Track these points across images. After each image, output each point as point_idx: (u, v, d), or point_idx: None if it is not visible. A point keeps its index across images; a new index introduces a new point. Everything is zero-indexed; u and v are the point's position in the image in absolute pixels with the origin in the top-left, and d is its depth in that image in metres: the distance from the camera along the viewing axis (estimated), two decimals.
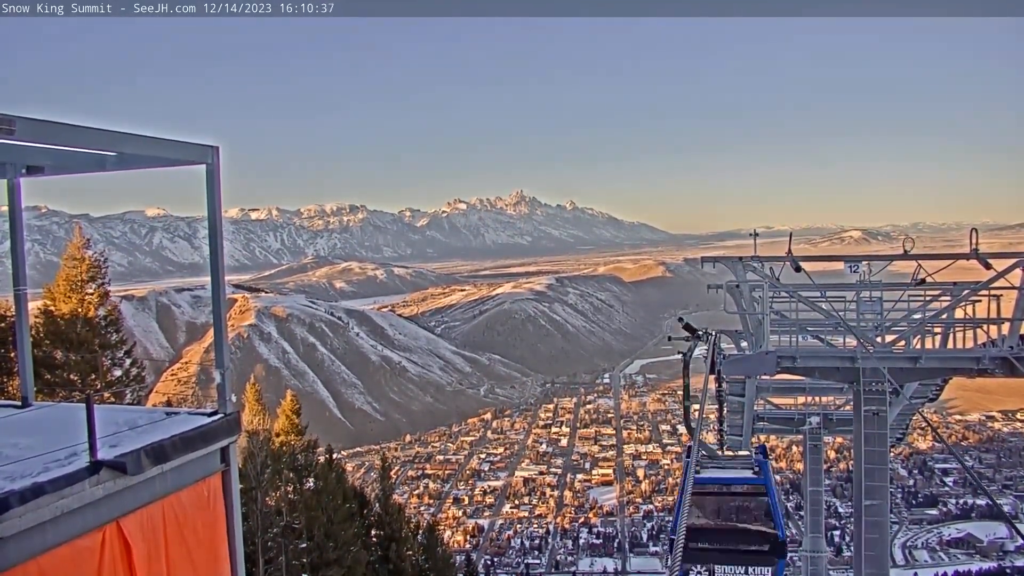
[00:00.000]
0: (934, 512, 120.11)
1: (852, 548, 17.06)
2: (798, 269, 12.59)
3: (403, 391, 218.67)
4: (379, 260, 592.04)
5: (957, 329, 13.27)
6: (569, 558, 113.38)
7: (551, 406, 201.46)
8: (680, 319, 14.96)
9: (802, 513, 23.61)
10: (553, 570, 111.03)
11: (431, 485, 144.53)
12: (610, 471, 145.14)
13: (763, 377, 16.50)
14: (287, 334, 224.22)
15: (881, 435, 11.84)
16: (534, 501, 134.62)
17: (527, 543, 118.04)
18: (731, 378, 16.85)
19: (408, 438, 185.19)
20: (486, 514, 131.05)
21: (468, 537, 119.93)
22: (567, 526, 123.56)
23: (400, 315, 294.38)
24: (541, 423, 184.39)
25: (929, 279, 12.63)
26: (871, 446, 11.84)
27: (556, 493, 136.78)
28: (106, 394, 16.04)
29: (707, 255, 13.70)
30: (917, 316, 13.29)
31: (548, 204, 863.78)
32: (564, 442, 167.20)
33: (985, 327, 12.05)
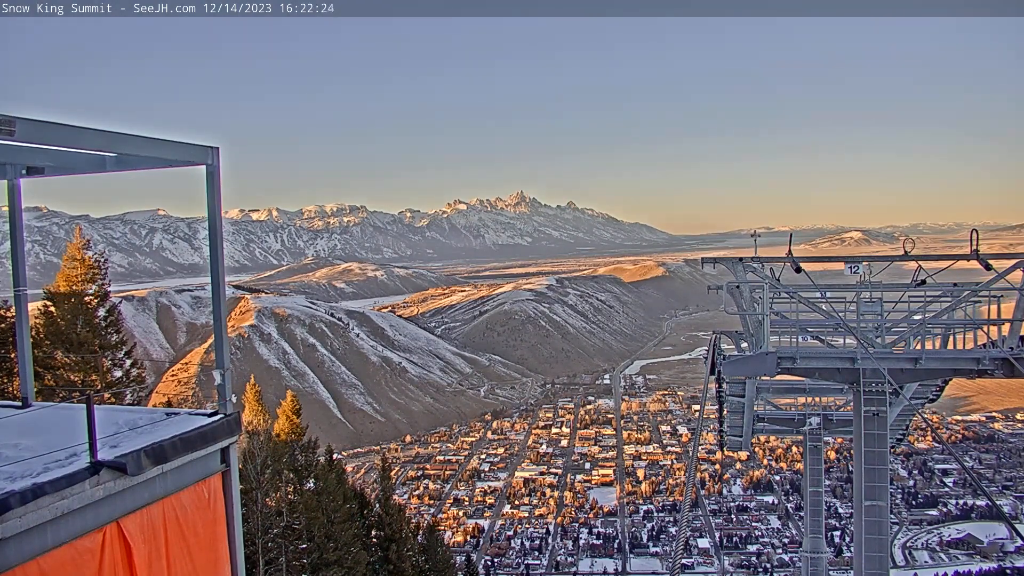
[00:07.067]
0: (934, 512, 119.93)
1: (852, 548, 17.03)
2: (798, 270, 12.59)
3: (403, 392, 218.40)
4: (379, 261, 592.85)
5: (957, 330, 13.25)
6: (569, 559, 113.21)
7: (551, 406, 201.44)
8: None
9: (802, 513, 23.63)
10: (553, 570, 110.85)
11: (431, 485, 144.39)
12: (610, 471, 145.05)
13: (763, 378, 16.52)
14: (287, 335, 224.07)
15: (881, 435, 11.83)
16: (534, 501, 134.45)
17: (527, 543, 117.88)
18: (731, 379, 16.87)
19: (408, 439, 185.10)
20: (486, 514, 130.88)
21: (468, 537, 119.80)
22: (567, 526, 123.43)
23: (400, 316, 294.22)
24: (541, 423, 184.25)
25: (929, 280, 12.62)
26: (871, 446, 11.84)
27: (556, 493, 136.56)
28: (106, 395, 15.99)
29: (707, 256, 13.71)
30: (917, 317, 13.28)
31: (548, 205, 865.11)
32: (564, 442, 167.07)
33: (985, 328, 12.04)
